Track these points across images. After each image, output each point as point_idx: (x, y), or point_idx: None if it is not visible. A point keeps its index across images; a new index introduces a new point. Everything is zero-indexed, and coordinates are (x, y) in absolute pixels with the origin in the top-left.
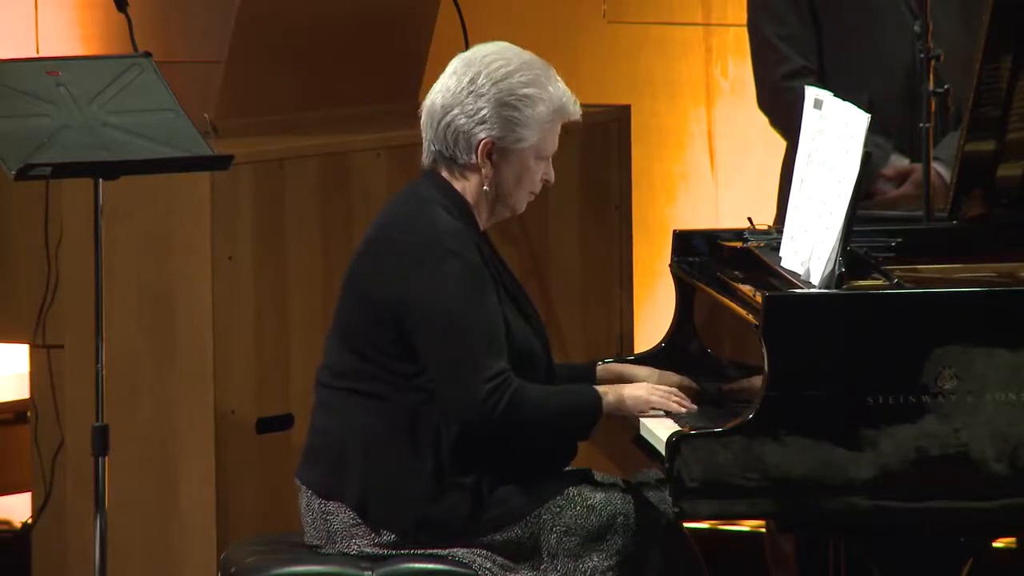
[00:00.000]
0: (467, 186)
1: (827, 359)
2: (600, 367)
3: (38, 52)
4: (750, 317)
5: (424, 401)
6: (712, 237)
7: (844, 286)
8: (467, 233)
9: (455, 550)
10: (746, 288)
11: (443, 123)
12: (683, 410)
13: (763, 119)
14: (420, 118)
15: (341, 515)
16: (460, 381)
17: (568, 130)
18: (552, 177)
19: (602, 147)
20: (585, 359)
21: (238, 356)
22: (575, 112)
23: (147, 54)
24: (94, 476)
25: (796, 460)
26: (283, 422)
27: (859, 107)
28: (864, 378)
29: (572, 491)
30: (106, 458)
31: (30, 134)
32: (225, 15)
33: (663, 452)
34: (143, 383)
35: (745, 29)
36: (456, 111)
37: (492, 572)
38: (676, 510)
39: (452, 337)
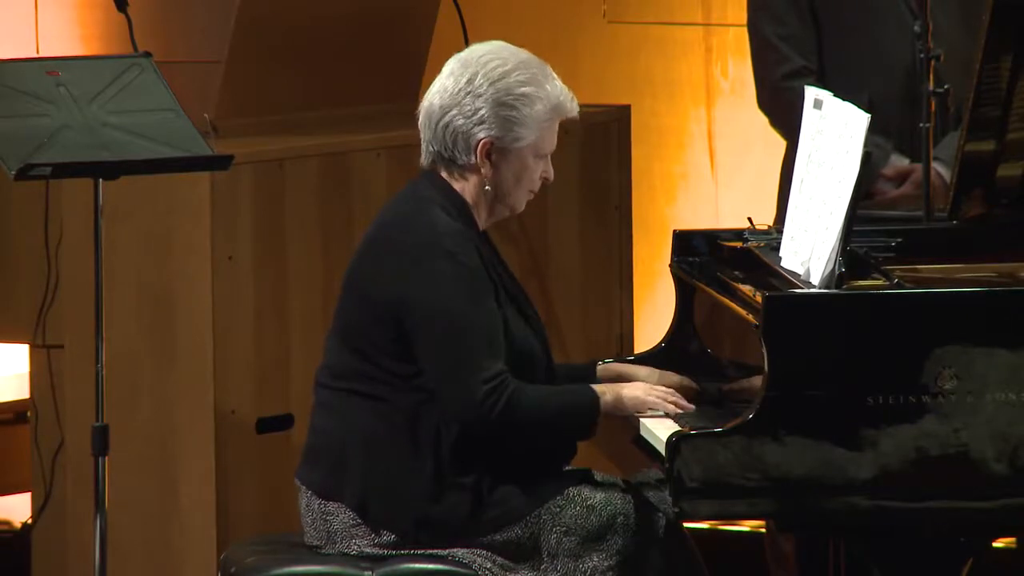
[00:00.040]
0: (466, 186)
1: (827, 359)
2: (600, 367)
3: (38, 52)
4: (750, 317)
5: (424, 401)
6: (712, 237)
7: (844, 286)
8: (466, 234)
9: (455, 550)
10: (746, 288)
11: (441, 124)
12: (680, 411)
13: (763, 119)
14: (418, 119)
15: (341, 515)
16: (459, 381)
17: (568, 130)
18: (551, 175)
19: (602, 147)
20: (585, 359)
21: (238, 356)
22: (572, 110)
23: (147, 54)
24: (94, 476)
25: (796, 460)
26: (283, 422)
27: (859, 107)
28: (864, 378)
29: (572, 491)
30: (106, 458)
31: (30, 134)
32: (225, 15)
33: (663, 452)
34: (143, 383)
35: (745, 29)
36: (454, 112)
37: (492, 572)
38: (676, 510)
39: (451, 337)
